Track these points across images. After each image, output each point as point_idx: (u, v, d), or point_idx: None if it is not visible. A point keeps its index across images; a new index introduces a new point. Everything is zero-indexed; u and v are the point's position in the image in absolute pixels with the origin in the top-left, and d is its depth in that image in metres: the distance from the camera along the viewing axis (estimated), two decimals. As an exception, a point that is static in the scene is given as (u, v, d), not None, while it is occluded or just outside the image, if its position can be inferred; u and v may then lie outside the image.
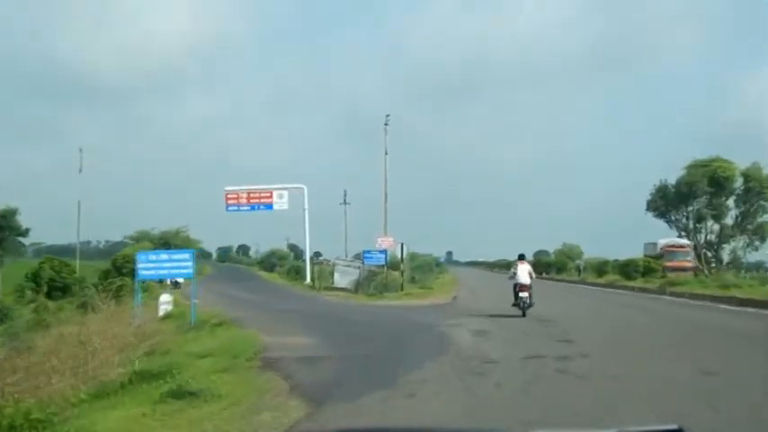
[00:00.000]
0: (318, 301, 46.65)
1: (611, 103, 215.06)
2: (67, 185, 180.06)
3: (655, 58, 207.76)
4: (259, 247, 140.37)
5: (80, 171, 53.34)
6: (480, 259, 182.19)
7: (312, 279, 65.77)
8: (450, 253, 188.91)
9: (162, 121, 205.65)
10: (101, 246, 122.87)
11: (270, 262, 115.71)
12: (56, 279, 58.45)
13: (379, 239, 58.23)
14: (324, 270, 71.50)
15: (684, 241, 68.39)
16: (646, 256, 64.84)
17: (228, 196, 73.00)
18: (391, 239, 57.50)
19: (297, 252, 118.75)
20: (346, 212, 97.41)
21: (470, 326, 24.93)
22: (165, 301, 33.24)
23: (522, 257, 30.76)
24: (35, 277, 58.76)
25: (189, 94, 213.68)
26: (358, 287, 57.93)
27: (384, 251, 55.23)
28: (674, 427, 2.36)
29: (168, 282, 61.28)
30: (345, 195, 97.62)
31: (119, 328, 21.59)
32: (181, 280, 62.04)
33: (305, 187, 73.60)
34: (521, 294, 29.03)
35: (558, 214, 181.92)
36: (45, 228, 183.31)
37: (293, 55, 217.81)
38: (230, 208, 73.14)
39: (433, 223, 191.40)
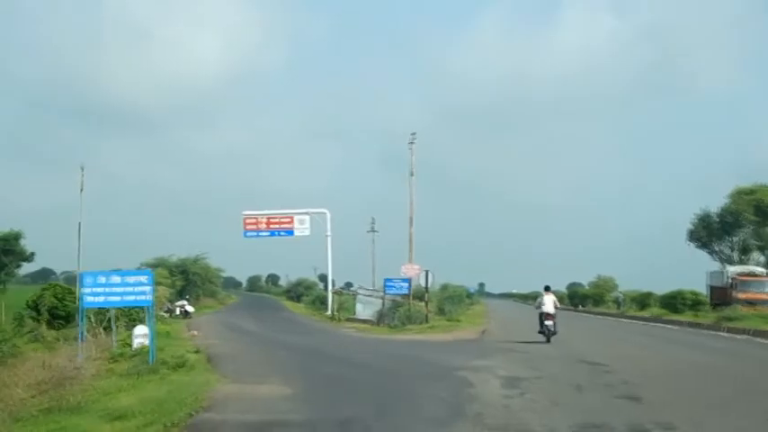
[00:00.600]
0: (332, 334, 40.96)
1: (649, 134, 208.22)
2: (97, 213, 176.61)
3: (693, 86, 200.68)
4: (288, 277, 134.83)
5: (81, 191, 47.48)
6: (514, 291, 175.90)
7: (332, 310, 60.02)
8: (482, 284, 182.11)
9: (191, 149, 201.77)
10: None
11: (297, 291, 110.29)
12: (58, 307, 52.78)
13: (403, 267, 52.45)
14: (347, 300, 66.07)
15: (761, 270, 57.79)
16: (711, 287, 57.07)
17: (247, 221, 67.68)
18: (417, 267, 51.71)
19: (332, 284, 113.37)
20: (374, 240, 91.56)
21: (500, 370, 19.18)
22: (140, 334, 27.69)
23: (547, 289, 31.72)
24: (36, 305, 53.16)
25: (221, 122, 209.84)
26: (380, 318, 52.33)
27: (407, 280, 49.47)
28: None
29: (178, 311, 56.01)
30: (373, 223, 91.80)
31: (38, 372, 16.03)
32: (191, 309, 56.87)
33: (327, 212, 68.11)
34: (546, 322, 30.20)
35: (592, 246, 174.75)
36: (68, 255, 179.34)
37: (327, 85, 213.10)
38: (249, 233, 67.79)
39: (466, 254, 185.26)
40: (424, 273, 47.35)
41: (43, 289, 53.95)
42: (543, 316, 30.35)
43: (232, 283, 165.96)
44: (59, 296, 53.07)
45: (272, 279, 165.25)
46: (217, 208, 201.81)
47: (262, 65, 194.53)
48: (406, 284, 49.27)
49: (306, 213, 67.92)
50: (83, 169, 48.01)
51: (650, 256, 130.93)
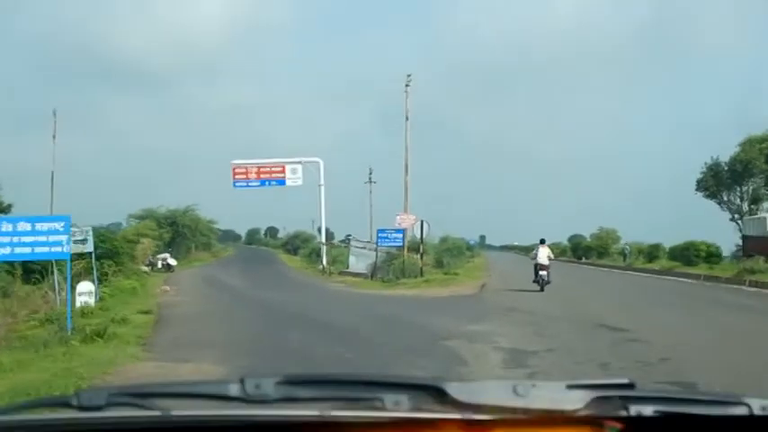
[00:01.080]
0: (318, 289, 37.10)
1: (654, 89, 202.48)
2: (105, 168, 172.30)
3: (700, 41, 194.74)
4: (286, 230, 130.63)
5: (54, 137, 43.20)
6: (515, 243, 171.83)
7: (323, 263, 56.05)
8: (483, 237, 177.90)
9: (192, 106, 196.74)
10: (103, 228, 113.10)
11: (294, 244, 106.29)
12: (32, 261, 48.44)
13: (397, 217, 48.39)
14: (342, 254, 62.16)
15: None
16: (747, 237, 50.85)
17: (236, 171, 63.34)
18: (412, 217, 47.65)
19: (328, 236, 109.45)
20: (371, 192, 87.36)
21: (501, 339, 15.23)
22: (84, 292, 23.81)
23: (542, 242, 33.26)
24: None
25: (222, 78, 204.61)
26: (374, 272, 48.48)
27: (401, 231, 45.48)
28: (626, 381, 1.94)
29: (159, 264, 52.04)
30: (371, 173, 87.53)
31: None
32: (173, 262, 52.87)
33: (320, 161, 63.83)
34: (540, 272, 31.18)
35: (595, 199, 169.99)
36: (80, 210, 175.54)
37: (331, 43, 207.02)
38: (238, 184, 63.48)
39: (467, 207, 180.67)
40: (419, 223, 43.24)
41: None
42: (538, 267, 31.44)
43: (231, 236, 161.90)
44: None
45: (271, 232, 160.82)
46: (215, 164, 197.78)
47: (264, 19, 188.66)
48: (400, 236, 45.33)
49: (298, 162, 63.57)
50: (55, 114, 43.62)
51: (655, 208, 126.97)
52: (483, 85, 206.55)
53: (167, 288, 34.74)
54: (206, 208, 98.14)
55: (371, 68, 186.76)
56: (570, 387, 1.88)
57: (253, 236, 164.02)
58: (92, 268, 37.69)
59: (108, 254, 42.41)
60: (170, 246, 69.27)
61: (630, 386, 1.94)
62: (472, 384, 1.94)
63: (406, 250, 47.71)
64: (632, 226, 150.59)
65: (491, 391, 1.88)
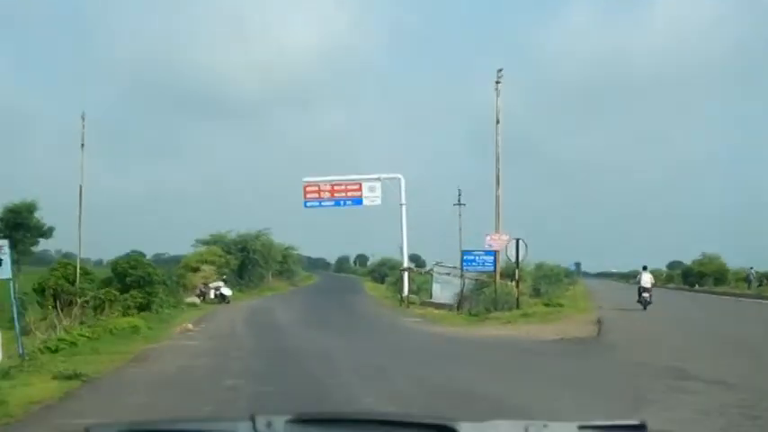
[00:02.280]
0: (386, 328, 28.66)
1: (754, 108, 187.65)
2: (191, 195, 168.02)
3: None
4: (374, 257, 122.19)
5: (82, 146, 35.31)
6: (612, 270, 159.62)
7: (401, 292, 47.01)
8: (578, 264, 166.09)
9: (281, 132, 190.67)
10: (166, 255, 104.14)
11: (381, 272, 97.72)
12: (64, 289, 40.64)
13: (487, 238, 39.27)
14: (427, 281, 53.31)
15: None
16: None
17: (308, 189, 55.13)
18: (505, 237, 38.54)
19: (419, 262, 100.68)
20: (461, 214, 78.26)
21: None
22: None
23: (645, 268, 36.53)
24: (43, 288, 41.13)
25: (314, 105, 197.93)
26: (461, 302, 39.57)
27: (492, 253, 36.36)
28: (638, 422, 2.08)
29: (212, 294, 43.94)
30: (460, 195, 78.46)
31: None
32: (227, 291, 44.69)
33: (401, 177, 55.11)
34: (643, 294, 34.38)
35: (693, 224, 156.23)
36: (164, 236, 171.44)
37: (420, 67, 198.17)
38: (309, 203, 55.20)
39: (560, 233, 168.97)
40: (514, 243, 33.98)
41: (52, 269, 42.47)
42: (641, 289, 34.63)
43: (321, 264, 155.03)
44: (71, 278, 41.12)
45: (361, 260, 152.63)
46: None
47: (353, 47, 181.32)
48: (491, 258, 36.23)
49: (376, 179, 54.99)
50: (83, 119, 36.03)
51: (759, 233, 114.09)
52: (575, 108, 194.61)
53: (190, 327, 26.40)
54: (285, 234, 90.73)
55: (459, 93, 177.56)
56: (582, 428, 2.00)
57: (342, 264, 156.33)
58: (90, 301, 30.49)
59: (139, 282, 34.60)
60: (240, 273, 61.66)
61: (642, 427, 2.04)
62: (485, 425, 2.20)
63: (498, 276, 38.58)
64: (736, 252, 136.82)
65: (503, 431, 2.16)
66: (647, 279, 34.69)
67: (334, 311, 37.55)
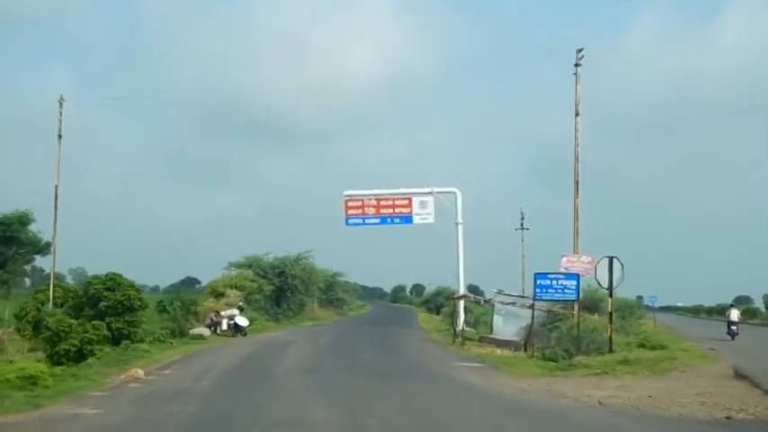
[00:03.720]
0: (430, 380, 19.51)
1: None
2: (250, 222, 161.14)
3: None
4: (430, 285, 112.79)
5: (59, 137, 27.01)
6: (678, 304, 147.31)
7: (455, 325, 37.53)
8: (640, 297, 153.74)
9: (342, 159, 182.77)
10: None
11: (436, 302, 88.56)
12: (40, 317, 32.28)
13: (564, 260, 30.08)
14: (486, 312, 44.08)
15: None
16: None
17: (350, 204, 46.44)
18: (587, 259, 29.40)
19: (476, 293, 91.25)
20: (523, 240, 68.91)
21: None
22: None
23: (732, 305, 43.39)
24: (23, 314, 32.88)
25: (374, 131, 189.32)
26: (529, 340, 30.46)
27: (574, 276, 27.07)
28: None
29: (225, 324, 35.22)
30: (522, 218, 69.16)
31: None
32: (243, 321, 35.82)
33: (458, 192, 46.12)
34: (732, 327, 38.09)
35: (761, 258, 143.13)
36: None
37: (481, 93, 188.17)
38: (352, 220, 46.47)
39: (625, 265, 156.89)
40: (605, 262, 24.34)
41: (36, 292, 34.15)
42: (730, 323, 38.45)
43: (377, 294, 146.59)
44: (59, 300, 32.68)
45: (417, 289, 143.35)
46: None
47: (416, 73, 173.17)
48: (574, 283, 26.91)
49: (428, 193, 46.09)
50: (61, 103, 27.86)
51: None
52: (641, 136, 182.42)
53: (141, 375, 17.72)
54: (334, 259, 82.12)
55: (520, 118, 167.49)
56: None
57: (398, 293, 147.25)
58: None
59: (117, 308, 26.11)
60: (278, 301, 53.04)
61: None
62: None
63: (578, 308, 29.35)
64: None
65: None
66: (735, 314, 39.15)
67: (369, 350, 28.56)
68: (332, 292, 72.45)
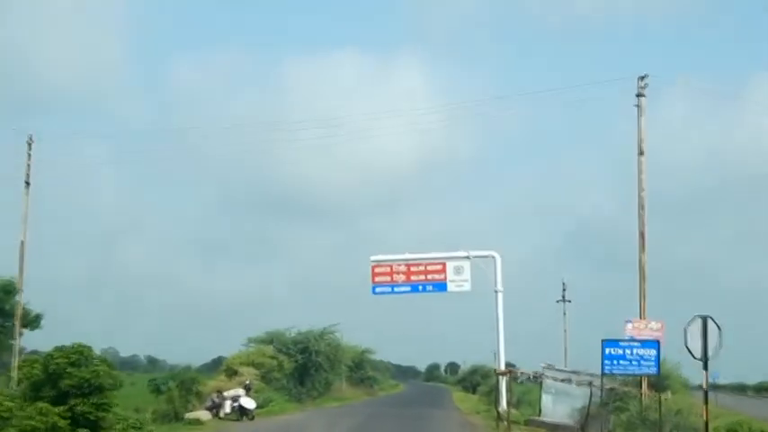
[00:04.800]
0: None
1: None
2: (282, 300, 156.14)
3: None
4: (465, 364, 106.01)
5: (27, 184, 22.03)
6: (723, 382, 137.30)
7: (497, 405, 31.48)
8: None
9: (374, 238, 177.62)
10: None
11: (472, 381, 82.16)
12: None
13: (629, 326, 24.27)
14: (531, 391, 38.29)
15: None
16: None
17: (377, 270, 41.04)
18: (657, 325, 23.62)
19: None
20: (565, 313, 62.83)
21: None
22: None
23: None
24: None
25: (406, 209, 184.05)
26: (586, 424, 24.76)
27: (653, 344, 21.25)
28: None
29: (228, 407, 29.59)
30: (564, 290, 63.18)
31: None
32: (250, 404, 30.05)
33: (496, 256, 40.66)
34: None
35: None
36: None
37: (517, 171, 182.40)
38: (379, 288, 40.99)
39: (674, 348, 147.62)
40: (698, 323, 18.28)
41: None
42: None
43: (411, 373, 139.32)
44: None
45: (452, 368, 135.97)
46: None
47: (450, 154, 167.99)
48: (653, 353, 21.06)
49: (465, 257, 40.64)
50: (29, 144, 23.05)
51: None
52: (680, 217, 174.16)
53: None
54: (363, 335, 75.96)
55: (555, 194, 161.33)
56: None
57: (432, 372, 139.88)
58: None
59: (82, 388, 20.75)
60: (301, 379, 47.28)
61: None
62: None
63: (646, 385, 23.63)
64: None
65: None
66: None
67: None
68: (362, 370, 66.47)
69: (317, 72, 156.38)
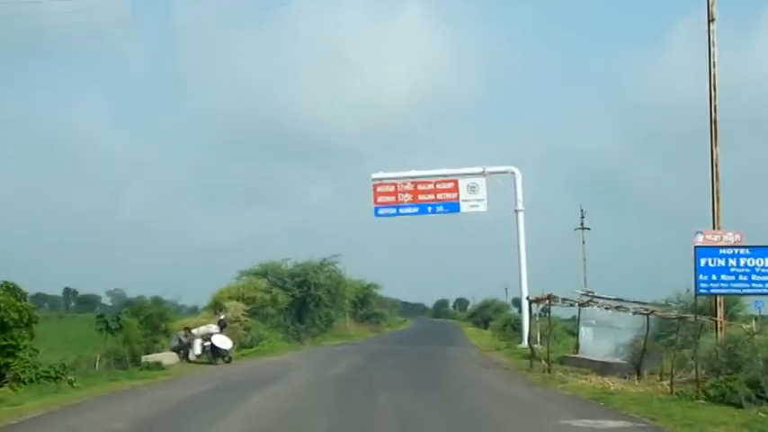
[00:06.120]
0: None
1: None
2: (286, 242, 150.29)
3: None
4: (475, 299, 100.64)
5: None
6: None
7: (529, 339, 25.53)
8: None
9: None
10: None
11: (483, 315, 76.90)
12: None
13: (700, 238, 18.23)
14: (556, 325, 32.49)
15: None
16: None
17: (379, 189, 35.07)
18: (736, 237, 17.56)
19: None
20: (584, 242, 56.47)
21: None
22: None
23: None
24: None
25: (409, 150, 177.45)
26: (641, 360, 18.88)
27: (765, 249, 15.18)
28: None
29: (198, 347, 23.72)
30: (583, 216, 56.77)
31: None
32: (225, 343, 24.03)
33: (517, 171, 34.59)
34: None
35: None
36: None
37: (518, 113, 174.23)
38: (383, 210, 35.16)
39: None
40: None
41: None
42: None
43: (419, 310, 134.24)
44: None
45: (461, 304, 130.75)
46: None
47: (454, 92, 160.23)
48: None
49: (480, 174, 34.60)
50: None
51: None
52: (680, 155, 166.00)
53: None
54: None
55: (561, 137, 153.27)
56: None
57: (440, 308, 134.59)
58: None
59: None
60: (299, 316, 41.56)
61: None
62: None
63: (722, 311, 17.83)
64: None
65: None
66: None
67: (402, 387, 16.89)
68: (367, 306, 60.94)
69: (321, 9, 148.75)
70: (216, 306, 35.85)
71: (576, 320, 25.57)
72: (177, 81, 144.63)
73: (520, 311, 40.39)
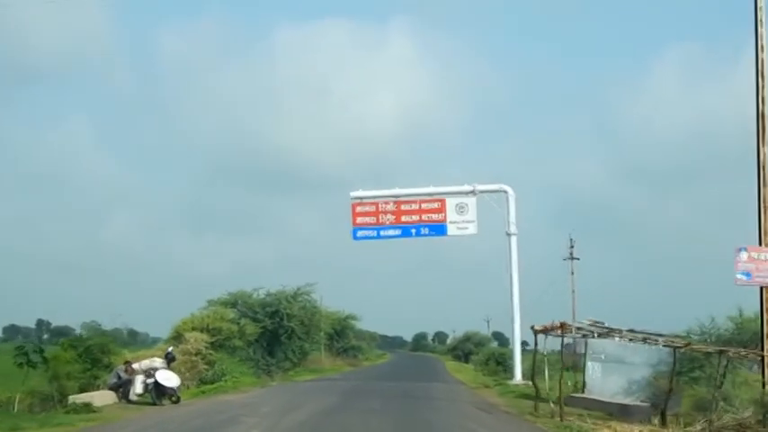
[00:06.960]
0: None
1: None
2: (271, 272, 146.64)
3: None
4: (455, 333, 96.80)
5: None
6: None
7: (534, 381, 21.69)
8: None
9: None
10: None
11: (464, 349, 73.16)
12: None
13: (744, 255, 14.84)
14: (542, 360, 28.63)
15: None
16: None
17: (359, 210, 31.43)
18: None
19: (502, 340, 75.92)
20: (573, 272, 53.02)
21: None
22: None
23: None
24: None
25: (393, 178, 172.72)
26: (666, 403, 15.33)
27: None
28: None
29: (139, 385, 19.64)
30: (572, 246, 53.37)
31: None
32: (171, 380, 19.78)
33: (509, 190, 31.12)
34: None
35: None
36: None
37: (501, 143, 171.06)
38: (361, 233, 31.45)
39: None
40: None
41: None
42: None
43: (397, 343, 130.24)
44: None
45: (440, 337, 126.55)
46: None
47: (436, 122, 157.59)
48: None
49: (470, 193, 31.11)
50: None
51: None
52: (665, 188, 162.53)
53: None
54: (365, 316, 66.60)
55: (549, 169, 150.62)
56: None
57: (419, 342, 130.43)
58: None
59: None
60: (270, 349, 37.72)
61: None
62: None
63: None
64: None
65: None
66: None
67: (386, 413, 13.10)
68: (344, 339, 56.95)
69: (306, 41, 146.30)
70: (178, 338, 31.93)
71: (560, 353, 22.04)
72: (162, 111, 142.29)
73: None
